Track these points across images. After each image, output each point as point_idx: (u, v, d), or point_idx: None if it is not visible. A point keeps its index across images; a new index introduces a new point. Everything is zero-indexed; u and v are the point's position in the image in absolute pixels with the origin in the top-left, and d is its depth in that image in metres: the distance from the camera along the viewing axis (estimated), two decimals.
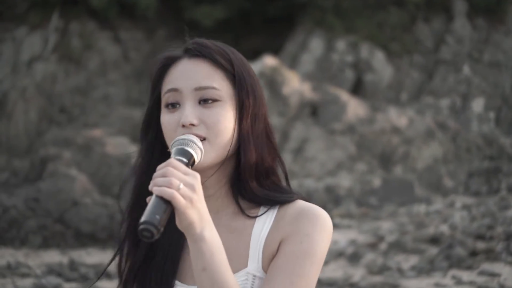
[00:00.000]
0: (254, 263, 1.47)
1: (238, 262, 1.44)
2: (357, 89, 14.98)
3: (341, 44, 15.94)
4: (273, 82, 12.53)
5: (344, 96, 12.62)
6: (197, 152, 1.41)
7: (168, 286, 1.50)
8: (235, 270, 1.44)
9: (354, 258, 6.57)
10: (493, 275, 5.79)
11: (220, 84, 1.46)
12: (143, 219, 1.29)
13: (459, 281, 5.71)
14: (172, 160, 1.35)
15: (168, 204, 1.31)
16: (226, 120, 1.46)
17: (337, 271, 6.30)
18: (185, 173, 1.33)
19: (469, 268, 6.04)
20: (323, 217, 1.45)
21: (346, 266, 6.43)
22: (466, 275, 5.84)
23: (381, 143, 11.51)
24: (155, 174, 1.33)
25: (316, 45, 16.04)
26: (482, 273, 5.85)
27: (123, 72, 16.94)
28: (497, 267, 6.00)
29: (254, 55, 14.49)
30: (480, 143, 12.57)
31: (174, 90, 1.46)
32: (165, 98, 1.47)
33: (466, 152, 11.98)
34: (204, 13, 16.70)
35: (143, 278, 1.52)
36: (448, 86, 15.65)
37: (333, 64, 15.53)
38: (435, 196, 9.48)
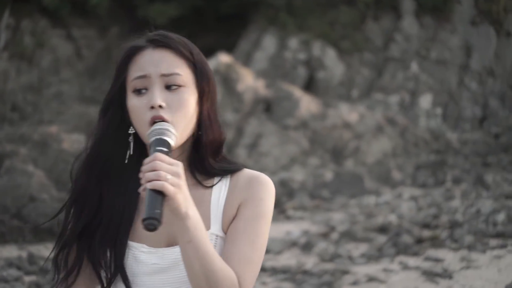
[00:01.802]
0: (216, 225, 1.71)
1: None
2: (309, 86, 15.27)
3: (293, 42, 16.20)
4: (228, 79, 12.73)
5: (297, 92, 12.90)
6: (173, 139, 1.63)
7: (123, 246, 1.71)
8: None
9: (306, 247, 6.83)
10: (437, 260, 6.11)
11: (183, 71, 1.66)
12: (145, 215, 1.50)
13: (405, 266, 6.01)
14: (157, 153, 1.56)
15: (161, 194, 1.52)
16: (189, 104, 1.67)
17: (290, 259, 6.55)
18: (170, 164, 1.54)
19: (415, 254, 6.35)
20: (270, 183, 1.74)
21: (299, 255, 6.68)
22: (412, 261, 6.15)
23: (333, 138, 11.82)
24: (144, 168, 1.53)
25: (269, 43, 16.28)
26: (427, 258, 6.17)
27: (76, 70, 16.90)
28: (441, 253, 6.33)
29: (207, 52, 14.62)
30: (427, 137, 12.99)
31: (143, 76, 1.64)
32: (133, 84, 1.66)
33: (414, 146, 12.37)
34: (157, 10, 16.76)
35: (91, 239, 1.71)
36: (397, 83, 16.06)
37: (286, 62, 15.80)
38: (384, 188, 9.82)
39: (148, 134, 1.61)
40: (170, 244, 1.70)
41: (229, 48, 15.74)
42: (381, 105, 14.91)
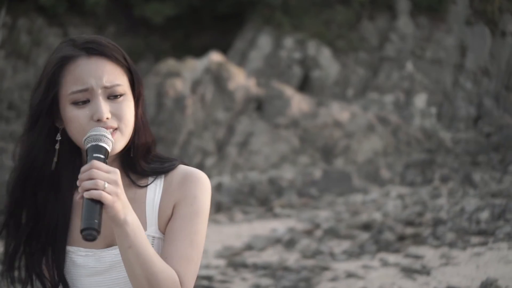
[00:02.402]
0: (152, 226, 1.74)
1: None
2: (304, 85, 15.30)
3: (289, 41, 16.24)
4: (219, 78, 12.78)
5: (289, 91, 12.93)
6: (109, 144, 1.65)
7: (62, 251, 1.74)
8: None
9: (289, 244, 6.87)
10: (417, 257, 6.14)
11: (122, 80, 1.69)
12: (83, 226, 1.53)
13: (385, 263, 6.04)
14: (94, 162, 1.58)
15: (99, 203, 1.55)
16: (130, 111, 1.71)
17: (273, 256, 6.59)
18: (107, 171, 1.57)
19: (396, 251, 6.38)
20: (204, 179, 1.74)
21: (282, 252, 6.72)
22: (392, 258, 6.18)
23: (323, 137, 11.85)
24: (81, 177, 1.56)
25: (265, 42, 16.32)
26: (407, 255, 6.19)
27: None
28: (422, 250, 6.36)
29: (203, 52, 14.67)
30: (420, 136, 13.02)
31: (84, 90, 1.65)
32: (73, 97, 1.66)
33: (405, 145, 12.40)
34: (153, 9, 16.79)
35: (33, 250, 1.74)
36: (392, 82, 16.08)
37: (281, 61, 15.83)
38: (372, 186, 9.85)
39: (84, 140, 1.64)
40: (107, 245, 1.73)
41: (225, 47, 15.78)
42: (376, 105, 14.94)
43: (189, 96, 12.51)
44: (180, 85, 12.63)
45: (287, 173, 10.50)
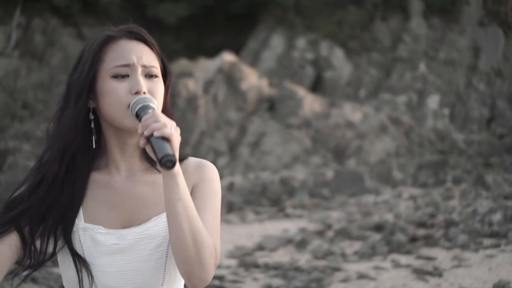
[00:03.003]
0: None
1: (159, 207, 1.75)
2: (317, 86, 15.30)
3: (301, 42, 16.24)
4: (232, 78, 12.79)
5: (301, 92, 12.93)
6: (156, 108, 1.71)
7: (69, 227, 1.76)
8: (158, 213, 1.75)
9: (301, 244, 6.87)
10: (429, 258, 6.13)
11: (157, 65, 1.77)
12: (162, 154, 1.58)
13: (397, 264, 6.03)
14: (156, 111, 1.65)
15: (169, 142, 1.59)
16: (162, 93, 1.77)
17: (284, 256, 6.60)
18: (169, 120, 1.64)
19: (408, 252, 6.37)
20: (214, 166, 1.85)
21: (293, 252, 6.72)
22: (404, 259, 6.18)
23: (335, 137, 11.84)
24: (146, 122, 1.62)
25: (277, 42, 16.32)
26: (419, 257, 6.19)
27: None
28: (434, 251, 6.35)
29: (216, 52, 14.70)
30: (432, 138, 12.98)
31: (126, 65, 1.74)
32: (115, 71, 1.74)
33: (418, 146, 12.37)
34: (167, 10, 16.84)
35: (42, 220, 1.75)
36: (405, 83, 16.05)
37: (294, 61, 15.83)
38: (384, 187, 9.83)
39: (133, 104, 1.70)
40: (124, 226, 1.76)
41: (238, 48, 15.80)
42: (388, 105, 14.91)
43: (202, 96, 12.54)
44: (192, 85, 12.66)
45: (299, 174, 10.50)
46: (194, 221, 1.65)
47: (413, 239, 6.71)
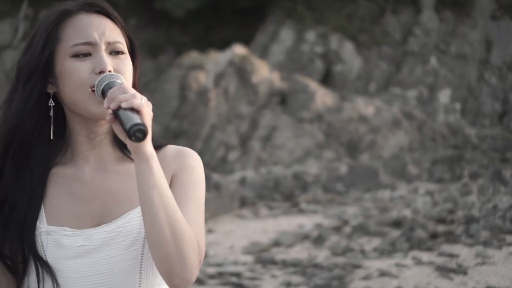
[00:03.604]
0: None
1: (132, 200, 1.55)
2: (326, 79, 15.14)
3: (311, 35, 16.07)
4: (243, 71, 12.63)
5: (313, 85, 12.77)
6: (124, 83, 1.53)
7: (31, 231, 1.56)
8: (132, 208, 1.55)
9: (318, 240, 6.72)
10: (451, 255, 5.98)
11: (123, 40, 1.57)
12: (130, 124, 1.40)
13: (419, 262, 5.88)
14: (123, 83, 1.47)
15: (138, 114, 1.41)
16: (130, 71, 1.58)
17: (301, 252, 6.45)
18: (138, 93, 1.46)
19: (429, 249, 6.22)
20: (196, 154, 1.65)
21: (311, 248, 6.57)
22: (426, 256, 6.02)
23: (348, 131, 11.69)
24: (113, 95, 1.44)
25: (287, 36, 16.16)
26: (441, 254, 6.03)
27: None
28: (456, 248, 6.19)
29: (224, 45, 14.55)
30: (445, 132, 12.82)
31: (87, 43, 1.54)
32: (75, 50, 1.54)
33: (431, 141, 12.21)
34: (175, 3, 16.70)
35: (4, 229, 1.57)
36: (416, 77, 15.88)
37: (303, 55, 15.67)
38: (399, 182, 9.68)
39: (97, 83, 1.51)
40: (95, 225, 1.56)
41: (246, 41, 15.64)
42: (399, 100, 14.75)
43: (212, 89, 12.38)
44: (203, 78, 12.50)
45: (312, 168, 10.35)
46: (172, 211, 1.46)
47: (434, 236, 6.55)
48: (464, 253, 6.04)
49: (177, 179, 1.58)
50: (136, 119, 1.41)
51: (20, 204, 1.57)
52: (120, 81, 1.51)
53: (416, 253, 6.15)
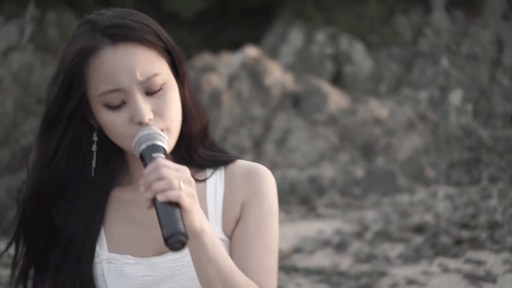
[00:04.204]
0: (217, 226, 1.46)
1: None
2: (336, 80, 15.04)
3: (320, 36, 15.97)
4: (255, 73, 12.52)
5: (326, 87, 12.66)
6: (165, 143, 1.38)
7: (88, 263, 1.45)
8: None
9: (340, 247, 6.61)
10: (478, 262, 5.86)
11: (159, 66, 1.39)
12: (168, 232, 1.25)
13: (445, 269, 5.77)
14: (159, 159, 1.30)
15: (177, 207, 1.27)
16: (175, 101, 1.41)
17: (324, 259, 6.34)
18: (177, 170, 1.30)
19: (455, 256, 6.11)
20: (270, 174, 1.48)
21: (333, 255, 6.46)
22: (452, 263, 5.91)
23: (362, 134, 11.58)
24: (148, 179, 1.28)
25: (296, 36, 16.06)
26: (468, 260, 5.92)
27: None
28: (482, 255, 6.08)
29: (233, 46, 14.45)
30: (459, 134, 12.71)
31: (116, 90, 1.37)
32: (104, 99, 1.38)
33: (446, 143, 12.09)
34: (182, 4, 16.63)
35: (48, 266, 1.47)
36: (427, 78, 15.78)
37: (313, 56, 15.57)
38: (417, 186, 9.57)
39: (135, 144, 1.36)
40: (159, 252, 1.44)
41: (254, 42, 15.54)
42: (410, 101, 14.63)
43: (225, 91, 12.28)
44: (216, 80, 12.40)
45: (327, 171, 10.24)
46: (229, 281, 1.34)
47: (458, 242, 6.43)
48: (491, 259, 5.93)
49: (248, 210, 1.45)
50: (173, 222, 1.25)
51: (78, 233, 1.45)
52: (158, 143, 1.34)
53: (442, 260, 6.04)
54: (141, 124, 1.37)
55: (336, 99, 12.30)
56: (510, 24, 16.12)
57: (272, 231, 1.45)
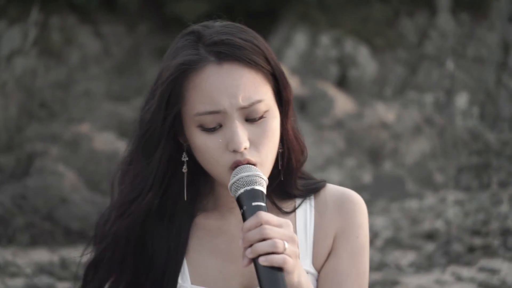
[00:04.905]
0: (306, 259, 1.38)
1: None
2: (341, 84, 14.96)
3: (325, 39, 15.90)
4: None
5: (331, 91, 12.57)
6: (264, 186, 1.28)
7: None
8: None
9: None
10: (492, 271, 5.76)
11: (264, 92, 1.30)
12: None
13: (459, 277, 5.67)
14: (262, 214, 1.20)
15: (280, 270, 1.19)
16: (275, 132, 1.32)
17: None
18: (280, 225, 1.20)
19: (468, 264, 6.00)
20: (362, 202, 1.41)
21: None
22: (465, 271, 5.81)
23: (369, 138, 11.49)
24: (249, 236, 1.19)
25: (300, 40, 15.99)
26: (482, 269, 5.82)
27: (104, 67, 16.77)
28: (495, 263, 5.98)
29: None
30: (466, 138, 12.61)
31: (216, 112, 1.27)
32: (201, 120, 1.28)
33: (453, 147, 12.00)
34: (186, 7, 16.59)
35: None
36: (432, 81, 15.70)
37: (318, 59, 15.49)
38: (426, 191, 9.47)
39: (232, 184, 1.27)
40: (245, 286, 1.35)
41: None
42: (415, 104, 14.54)
43: None
44: None
45: (335, 176, 10.15)
46: None
47: (471, 249, 6.32)
48: (505, 268, 5.83)
49: (340, 244, 1.36)
50: (276, 286, 1.17)
51: (159, 262, 1.35)
52: (258, 188, 1.23)
53: (455, 268, 5.93)
54: (235, 152, 1.27)
55: (342, 103, 12.21)
56: None
57: (365, 268, 1.39)
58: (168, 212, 1.36)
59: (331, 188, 1.42)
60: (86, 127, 9.57)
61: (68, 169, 8.05)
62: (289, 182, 1.38)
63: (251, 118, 1.28)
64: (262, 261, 1.17)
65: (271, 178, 1.37)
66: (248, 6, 17.07)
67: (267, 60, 1.34)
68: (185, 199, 1.34)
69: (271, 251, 1.17)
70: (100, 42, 16.59)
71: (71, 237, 7.34)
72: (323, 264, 1.38)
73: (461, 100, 15.24)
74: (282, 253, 1.18)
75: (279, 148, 1.36)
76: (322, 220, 1.38)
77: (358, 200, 1.41)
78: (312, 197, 1.41)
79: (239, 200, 1.26)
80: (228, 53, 1.29)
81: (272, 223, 1.19)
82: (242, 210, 1.25)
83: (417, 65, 15.88)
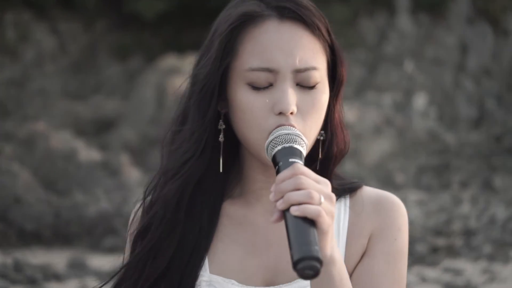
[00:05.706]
0: None
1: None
2: None
3: None
4: None
5: None
6: (304, 148, 1.17)
7: (193, 280, 1.25)
8: None
9: None
10: (457, 271, 5.75)
11: (320, 62, 1.22)
12: (300, 254, 1.03)
13: (423, 278, 5.64)
14: (298, 165, 1.09)
15: (313, 225, 1.06)
16: (323, 107, 1.23)
17: None
18: (318, 181, 1.09)
19: (432, 264, 5.99)
20: (403, 206, 1.30)
21: None
22: (430, 272, 5.78)
23: None
24: (281, 187, 1.07)
25: None
26: (446, 269, 5.80)
27: (60, 64, 16.46)
28: (459, 263, 5.98)
29: (195, 48, 14.24)
30: (425, 138, 12.69)
31: (269, 70, 1.18)
32: (252, 76, 1.20)
33: (412, 147, 12.06)
34: (144, 5, 16.42)
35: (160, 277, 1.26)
36: (391, 82, 15.77)
37: None
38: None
39: (269, 142, 1.16)
40: (268, 282, 1.23)
41: None
42: (374, 105, 14.59)
43: None
44: (181, 83, 12.18)
45: None
46: None
47: (434, 249, 6.30)
48: (469, 268, 5.83)
49: (376, 246, 1.25)
50: (307, 243, 1.03)
51: (186, 248, 1.23)
52: (297, 147, 1.12)
53: (419, 268, 5.90)
54: (281, 114, 1.17)
55: None
56: (474, 29, 16.20)
57: (402, 274, 1.26)
58: (202, 193, 1.24)
59: (369, 189, 1.33)
60: (42, 125, 9.31)
61: (23, 168, 7.81)
62: (325, 174, 1.25)
63: (304, 84, 1.20)
64: (294, 210, 1.05)
65: (305, 164, 1.24)
66: (206, 4, 16.93)
67: (327, 30, 1.26)
68: (220, 170, 1.24)
69: (306, 201, 1.06)
70: (56, 39, 16.28)
71: (25, 238, 7.11)
72: (356, 265, 1.27)
73: (420, 101, 15.34)
74: (317, 205, 1.06)
75: (320, 136, 1.26)
76: (357, 220, 1.28)
77: (399, 202, 1.31)
78: (348, 196, 1.31)
79: (275, 159, 1.14)
80: (293, 9, 1.22)
81: (310, 176, 1.09)
82: (277, 167, 1.13)
83: (376, 65, 15.94)
